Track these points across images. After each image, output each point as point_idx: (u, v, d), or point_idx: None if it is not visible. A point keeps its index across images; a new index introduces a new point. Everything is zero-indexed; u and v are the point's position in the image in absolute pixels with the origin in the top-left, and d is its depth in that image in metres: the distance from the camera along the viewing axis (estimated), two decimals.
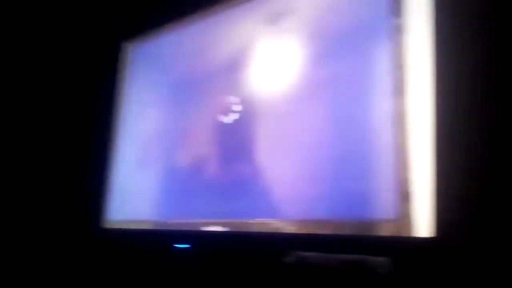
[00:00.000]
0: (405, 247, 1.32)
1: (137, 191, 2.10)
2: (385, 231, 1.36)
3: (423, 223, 1.30)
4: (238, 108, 1.83)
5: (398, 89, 1.40)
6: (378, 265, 1.36)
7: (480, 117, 1.26)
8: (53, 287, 2.10)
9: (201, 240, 1.80)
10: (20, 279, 2.11)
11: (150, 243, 1.94)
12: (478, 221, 1.21)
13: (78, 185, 2.26)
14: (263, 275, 1.58)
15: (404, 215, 1.33)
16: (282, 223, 1.59)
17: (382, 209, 1.38)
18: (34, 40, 2.37)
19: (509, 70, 1.22)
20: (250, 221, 1.68)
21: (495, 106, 1.23)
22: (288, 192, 1.61)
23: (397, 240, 1.35)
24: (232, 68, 1.88)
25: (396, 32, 1.44)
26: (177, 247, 1.83)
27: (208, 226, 1.77)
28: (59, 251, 2.18)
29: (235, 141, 1.81)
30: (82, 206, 2.21)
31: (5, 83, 2.28)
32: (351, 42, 1.56)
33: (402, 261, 1.30)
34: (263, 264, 1.57)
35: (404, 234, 1.32)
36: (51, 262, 2.16)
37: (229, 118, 1.85)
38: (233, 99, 1.85)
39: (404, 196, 1.33)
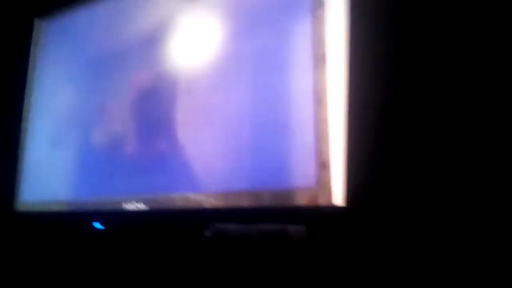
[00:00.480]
0: (319, 216, 1.39)
1: (52, 170, 2.00)
2: (303, 200, 1.41)
3: (338, 193, 1.37)
4: (156, 83, 1.80)
5: (318, 63, 1.44)
6: (294, 233, 1.40)
7: (391, 90, 1.33)
8: None
9: (120, 218, 1.77)
10: None
11: (68, 224, 1.88)
12: (386, 191, 1.29)
13: None
14: (184, 251, 1.59)
15: (321, 184, 1.37)
16: (203, 197, 1.59)
17: (301, 178, 1.42)
18: None
19: (421, 43, 1.31)
20: (171, 196, 1.66)
21: (404, 80, 1.32)
22: (208, 166, 1.62)
23: (311, 209, 1.40)
24: (150, 43, 1.84)
25: (316, 5, 1.47)
26: (95, 226, 1.79)
27: (128, 203, 1.73)
28: None
29: (153, 117, 1.78)
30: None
31: None
32: (271, 16, 1.58)
33: (317, 229, 1.37)
34: (184, 239, 1.58)
35: (322, 203, 1.37)
36: None
37: (147, 94, 1.82)
38: (150, 74, 1.83)
39: (321, 165, 1.38)
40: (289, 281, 1.39)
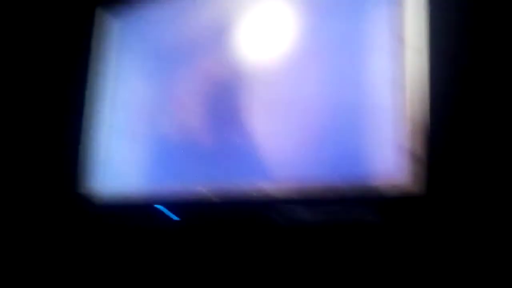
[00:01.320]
0: (398, 205, 1.34)
1: (124, 162, 2.01)
2: (385, 192, 1.34)
3: (419, 181, 1.29)
4: (229, 73, 1.77)
5: (399, 48, 1.39)
6: (368, 217, 1.31)
7: (472, 81, 1.28)
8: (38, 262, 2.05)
9: (193, 208, 1.76)
10: None
11: (141, 215, 1.88)
12: (467, 180, 1.24)
13: (60, 157, 2.19)
14: (256, 239, 1.58)
15: (405, 175, 1.31)
16: (277, 189, 1.54)
17: (383, 169, 1.36)
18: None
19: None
20: (244, 187, 1.62)
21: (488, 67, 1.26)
22: (284, 158, 1.57)
23: (390, 197, 1.34)
24: (223, 32, 1.81)
25: None
26: (170, 216, 1.79)
27: (200, 193, 1.71)
28: (46, 225, 2.12)
29: (227, 108, 1.74)
30: (66, 178, 2.13)
31: None
32: (348, 5, 1.53)
33: (395, 218, 1.33)
34: (256, 229, 1.58)
35: (406, 193, 1.31)
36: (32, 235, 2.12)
37: (219, 84, 1.79)
38: (223, 63, 1.79)
39: (406, 155, 1.32)
40: (363, 269, 1.36)
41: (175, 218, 1.81)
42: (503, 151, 1.20)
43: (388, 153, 1.36)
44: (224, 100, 1.76)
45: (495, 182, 1.20)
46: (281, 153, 1.58)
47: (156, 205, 1.83)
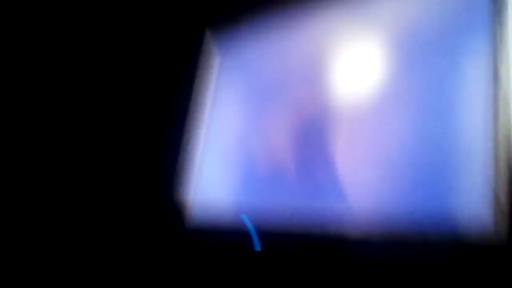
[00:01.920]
0: (476, 252, 1.30)
1: (219, 194, 2.16)
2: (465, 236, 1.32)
3: (501, 231, 1.27)
4: (320, 110, 1.85)
5: (499, 95, 1.36)
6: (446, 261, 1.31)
7: None
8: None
9: (276, 241, 1.82)
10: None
11: (231, 243, 1.97)
12: None
13: (164, 191, 2.37)
14: (335, 274, 1.59)
15: (497, 229, 1.28)
16: (357, 226, 1.58)
17: (466, 214, 1.34)
18: (118, 25, 2.52)
19: None
20: (326, 227, 1.67)
21: None
22: (369, 206, 1.59)
23: (469, 243, 1.32)
24: (317, 69, 1.90)
25: (495, 32, 1.40)
26: (255, 248, 1.87)
27: (284, 228, 1.79)
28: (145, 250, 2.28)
29: (317, 147, 1.82)
30: (167, 209, 2.31)
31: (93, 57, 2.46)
32: (443, 46, 1.53)
33: (471, 264, 1.29)
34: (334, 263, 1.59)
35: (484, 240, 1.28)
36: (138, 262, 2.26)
37: (308, 125, 1.88)
38: (315, 100, 1.88)
39: (500, 208, 1.29)
40: None
41: (257, 247, 1.88)
42: None
43: (474, 199, 1.34)
44: (312, 134, 1.84)
45: None
46: (365, 191, 1.61)
47: (244, 234, 1.93)
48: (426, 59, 1.56)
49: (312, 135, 1.86)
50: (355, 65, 1.79)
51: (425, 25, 1.60)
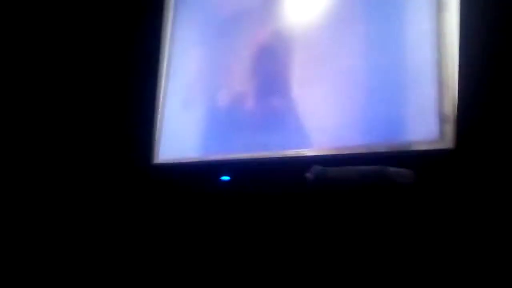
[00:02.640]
0: (425, 159, 1.38)
1: (182, 130, 2.19)
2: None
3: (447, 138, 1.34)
4: (274, 41, 1.88)
5: (441, 6, 1.40)
6: (397, 175, 1.36)
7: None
8: (106, 227, 2.22)
9: (240, 170, 1.88)
10: (69, 219, 2.23)
11: (196, 176, 2.02)
12: (495, 135, 1.25)
13: (125, 127, 2.38)
14: (289, 195, 1.65)
15: (444, 137, 1.34)
16: (316, 152, 1.64)
17: (420, 132, 1.40)
18: None
19: None
20: (285, 152, 1.73)
21: None
22: (322, 122, 1.66)
23: (417, 152, 1.40)
24: (269, 1, 1.92)
25: None
26: (222, 179, 1.92)
27: (247, 158, 1.85)
28: (110, 191, 2.30)
29: (271, 75, 1.86)
30: (130, 147, 2.33)
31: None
32: None
33: (422, 172, 1.35)
34: (292, 186, 1.64)
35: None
36: (103, 202, 2.29)
37: (265, 52, 1.91)
38: (269, 32, 1.91)
39: (442, 118, 1.35)
40: (389, 222, 1.40)
41: (225, 178, 1.94)
42: None
43: (422, 113, 1.40)
44: (269, 66, 1.88)
45: None
46: (319, 118, 1.67)
47: (209, 167, 1.98)
48: None
49: (268, 63, 1.89)
50: None
51: None
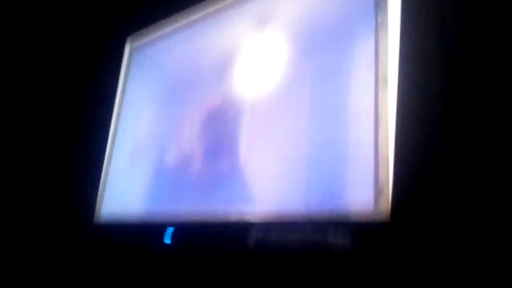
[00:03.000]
0: (362, 231, 1.41)
1: (128, 188, 2.18)
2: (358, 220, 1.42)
3: (382, 209, 1.38)
4: (224, 107, 1.93)
5: (380, 85, 1.45)
6: (336, 243, 1.40)
7: (443, 112, 1.34)
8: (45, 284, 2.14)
9: (183, 230, 1.88)
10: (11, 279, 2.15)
11: (139, 236, 2.01)
12: (429, 208, 1.28)
13: (71, 183, 2.35)
14: (230, 260, 1.66)
15: (378, 207, 1.37)
16: (258, 214, 1.66)
17: (357, 202, 1.43)
18: (37, 34, 2.49)
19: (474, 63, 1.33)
20: (229, 213, 1.74)
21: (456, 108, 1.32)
22: (265, 185, 1.69)
23: (355, 224, 1.43)
24: (221, 68, 1.99)
25: (379, 27, 1.51)
26: (165, 237, 1.90)
27: (190, 218, 1.85)
28: (50, 251, 2.25)
29: (219, 139, 1.90)
30: (75, 204, 2.28)
31: None
32: (333, 38, 1.64)
33: (361, 243, 1.39)
34: (232, 248, 1.66)
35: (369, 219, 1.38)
36: (43, 262, 2.23)
37: (215, 117, 1.95)
38: (219, 98, 1.96)
39: (380, 188, 1.39)
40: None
41: (167, 240, 1.91)
42: (470, 179, 1.25)
43: (359, 184, 1.44)
44: (217, 130, 1.92)
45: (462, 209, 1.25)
46: (262, 183, 1.70)
47: (153, 226, 1.96)
48: (318, 52, 1.67)
49: (217, 128, 1.93)
50: (256, 61, 1.89)
51: (319, 22, 1.72)
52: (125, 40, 2.52)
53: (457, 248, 1.22)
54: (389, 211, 1.36)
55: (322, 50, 1.67)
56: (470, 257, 1.19)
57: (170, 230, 1.89)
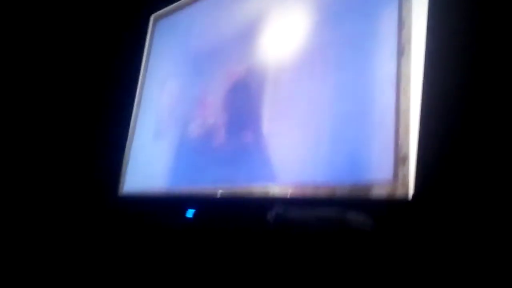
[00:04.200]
0: (384, 207, 1.36)
1: (151, 161, 2.18)
2: (380, 193, 1.37)
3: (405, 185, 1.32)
4: (247, 77, 1.89)
5: (403, 51, 1.40)
6: (356, 221, 1.37)
7: (467, 86, 1.30)
8: (69, 256, 2.18)
9: (205, 205, 1.87)
10: (37, 251, 2.20)
11: (163, 208, 2.00)
12: (452, 185, 1.24)
13: (96, 156, 2.37)
14: (251, 235, 1.63)
15: (399, 178, 1.33)
16: (281, 188, 1.62)
17: (379, 172, 1.39)
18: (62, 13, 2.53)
19: (498, 41, 1.26)
20: (251, 187, 1.72)
21: (480, 79, 1.27)
22: (287, 158, 1.65)
23: (377, 201, 1.37)
24: (243, 38, 1.95)
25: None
26: (187, 213, 1.89)
27: (213, 192, 1.82)
28: (75, 221, 2.27)
29: (242, 110, 1.86)
30: (100, 177, 2.31)
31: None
32: (354, 5, 1.59)
33: (381, 220, 1.34)
34: (253, 224, 1.63)
35: (398, 196, 1.33)
36: (68, 232, 2.26)
37: (237, 88, 1.92)
38: (242, 68, 1.92)
39: (401, 159, 1.34)
40: (345, 268, 1.37)
41: (190, 214, 1.91)
42: (494, 159, 1.20)
43: (382, 157, 1.39)
44: (240, 102, 1.89)
45: (483, 190, 1.20)
46: (285, 154, 1.66)
47: (176, 200, 1.97)
48: (341, 19, 1.62)
49: (240, 99, 1.90)
50: (279, 30, 1.84)
51: None
52: (149, 17, 2.52)
53: (480, 227, 1.17)
54: (411, 186, 1.31)
55: (340, 19, 1.63)
56: (495, 238, 1.14)
57: (191, 212, 1.89)
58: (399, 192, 1.32)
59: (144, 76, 2.39)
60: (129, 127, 2.33)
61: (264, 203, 1.62)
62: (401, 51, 1.40)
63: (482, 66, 1.27)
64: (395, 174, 1.33)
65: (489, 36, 1.27)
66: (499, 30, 1.26)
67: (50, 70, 2.46)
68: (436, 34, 1.36)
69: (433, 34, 1.36)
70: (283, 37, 1.81)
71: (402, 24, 1.42)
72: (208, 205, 1.86)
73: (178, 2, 2.36)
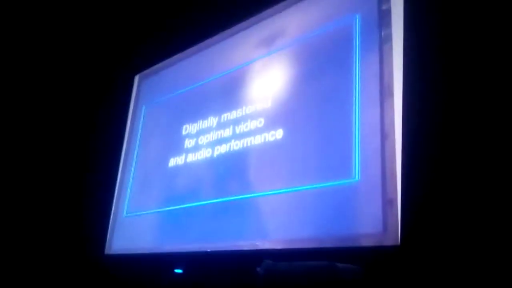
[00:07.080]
0: (372, 256, 1.35)
1: (138, 218, 2.15)
2: (368, 242, 1.37)
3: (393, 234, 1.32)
4: (232, 133, 1.91)
5: (385, 97, 1.44)
6: (345, 272, 1.35)
7: (448, 126, 1.33)
8: None
9: (194, 261, 1.84)
10: None
11: (151, 266, 1.97)
12: (439, 232, 1.25)
13: (80, 214, 2.35)
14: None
15: (387, 229, 1.33)
16: (268, 245, 1.62)
17: (366, 220, 1.39)
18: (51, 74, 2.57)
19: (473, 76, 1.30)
20: (240, 243, 1.70)
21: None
22: (274, 214, 1.65)
23: (365, 249, 1.38)
24: (227, 92, 1.99)
25: (383, 43, 1.50)
26: (176, 271, 1.87)
27: (202, 248, 1.80)
28: (61, 280, 2.22)
29: (229, 168, 1.86)
30: (87, 233, 2.27)
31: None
32: (339, 55, 1.63)
33: (370, 268, 1.31)
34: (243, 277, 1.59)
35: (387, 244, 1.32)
36: None
37: (223, 145, 1.93)
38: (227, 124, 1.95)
39: (388, 204, 1.34)
40: None
41: (178, 271, 1.88)
42: (479, 200, 1.21)
43: (374, 204, 1.39)
44: (228, 160, 1.88)
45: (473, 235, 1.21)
46: (272, 211, 1.66)
47: (164, 257, 1.93)
48: (324, 71, 1.66)
49: (227, 159, 1.90)
50: (264, 83, 1.86)
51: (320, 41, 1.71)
52: (135, 74, 2.57)
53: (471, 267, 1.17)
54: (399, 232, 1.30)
55: (328, 67, 1.66)
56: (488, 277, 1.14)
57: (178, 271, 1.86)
58: (388, 240, 1.31)
59: (130, 130, 2.40)
60: (115, 186, 2.31)
61: (253, 259, 1.59)
62: (383, 97, 1.44)
63: (464, 106, 1.30)
64: (384, 221, 1.33)
65: (465, 68, 1.32)
66: (475, 62, 1.31)
67: (39, 123, 2.49)
68: (415, 78, 1.40)
69: (413, 77, 1.40)
70: (266, 91, 1.84)
71: (383, 71, 1.46)
72: (196, 262, 1.83)
73: (162, 62, 2.42)
